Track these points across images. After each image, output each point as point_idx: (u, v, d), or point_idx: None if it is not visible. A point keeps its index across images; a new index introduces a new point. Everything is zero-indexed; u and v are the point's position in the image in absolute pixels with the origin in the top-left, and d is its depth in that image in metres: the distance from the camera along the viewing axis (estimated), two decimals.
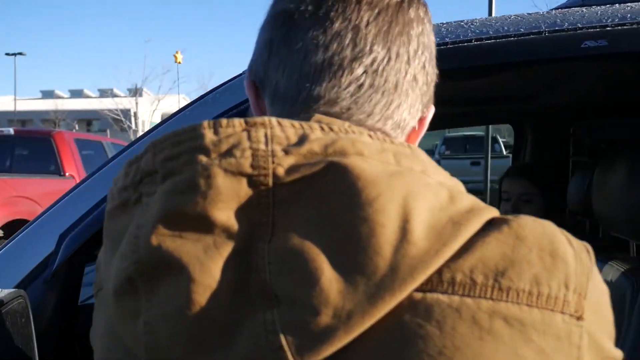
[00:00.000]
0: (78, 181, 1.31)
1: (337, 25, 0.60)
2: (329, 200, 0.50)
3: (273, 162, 0.51)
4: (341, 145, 0.52)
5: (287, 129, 0.53)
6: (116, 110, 30.01)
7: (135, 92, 30.59)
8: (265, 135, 0.52)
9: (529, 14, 1.11)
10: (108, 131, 29.98)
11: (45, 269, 1.06)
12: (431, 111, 0.68)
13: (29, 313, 0.91)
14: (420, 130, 0.68)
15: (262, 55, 0.65)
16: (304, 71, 0.61)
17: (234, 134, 0.52)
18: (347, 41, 0.60)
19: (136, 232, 0.52)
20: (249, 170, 0.50)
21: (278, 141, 0.52)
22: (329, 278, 0.48)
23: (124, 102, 31.91)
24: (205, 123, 0.53)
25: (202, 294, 0.49)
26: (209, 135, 0.52)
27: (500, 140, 16.78)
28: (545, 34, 1.04)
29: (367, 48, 0.60)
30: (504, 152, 15.40)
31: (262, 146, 0.51)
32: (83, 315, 1.10)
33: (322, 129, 0.54)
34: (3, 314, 0.83)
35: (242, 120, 0.53)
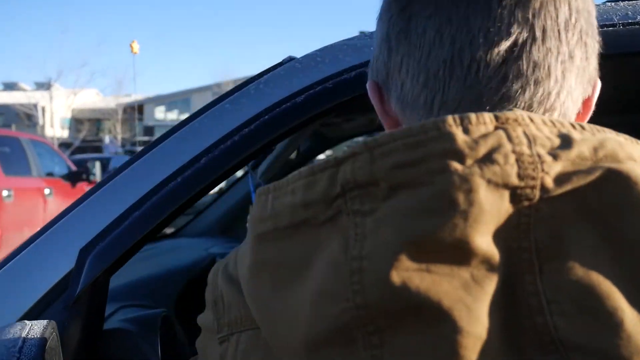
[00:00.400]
0: None
1: (462, 9, 0.50)
2: (610, 218, 0.39)
3: (542, 170, 0.39)
4: (612, 148, 0.41)
5: (541, 126, 0.42)
6: (28, 104, 28.41)
7: (46, 85, 29.03)
8: (526, 135, 0.40)
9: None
10: (13, 126, 28.29)
11: (62, 292, 0.88)
12: (597, 87, 0.57)
13: (60, 350, 0.75)
14: (585, 114, 0.57)
15: (382, 53, 0.56)
16: (431, 70, 0.51)
17: (489, 133, 0.40)
18: (477, 27, 0.49)
19: (355, 265, 0.39)
20: (515, 181, 0.39)
21: (541, 143, 0.40)
22: (633, 320, 0.37)
23: (37, 96, 30.23)
24: (450, 119, 0.41)
25: (471, 349, 0.37)
26: (460, 135, 0.40)
27: None
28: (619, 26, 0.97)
29: (504, 30, 0.50)
30: None
31: (526, 149, 0.40)
32: (108, 342, 0.93)
33: (574, 127, 0.43)
34: (47, 351, 0.66)
35: (491, 116, 0.41)
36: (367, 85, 0.60)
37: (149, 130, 38.90)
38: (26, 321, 0.74)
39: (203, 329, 0.58)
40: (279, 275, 0.45)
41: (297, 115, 0.91)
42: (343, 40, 1.01)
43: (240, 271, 0.51)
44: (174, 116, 43.45)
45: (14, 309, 0.89)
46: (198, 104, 36.01)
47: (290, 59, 1.02)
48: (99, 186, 0.96)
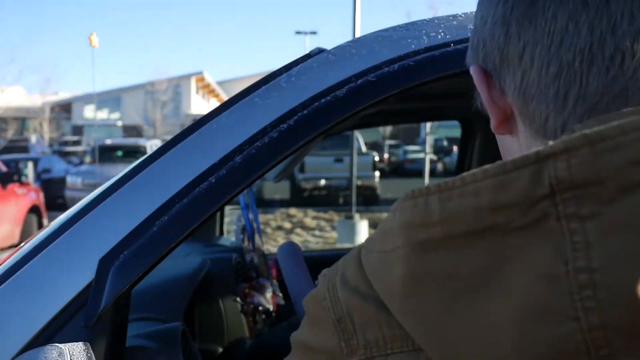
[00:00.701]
0: None
1: None
2: None
3: None
4: None
5: None
6: None
7: None
8: None
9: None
10: None
11: (80, 308, 0.78)
12: None
13: None
14: None
15: (495, 36, 0.50)
16: (564, 60, 0.46)
17: None
18: (619, 11, 0.44)
19: (583, 279, 0.33)
20: None
21: None
22: None
23: None
24: None
25: None
26: None
27: (360, 137, 17.34)
28: None
29: None
30: (364, 149, 15.91)
31: None
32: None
33: None
34: None
35: None
36: (472, 70, 0.55)
37: (77, 130, 37.47)
38: (58, 345, 0.64)
39: (309, 349, 0.51)
40: (451, 289, 0.38)
41: (339, 109, 0.84)
42: (376, 32, 0.95)
43: (380, 284, 0.44)
44: (104, 115, 42.11)
45: (23, 328, 0.78)
46: (129, 102, 35.04)
47: (320, 50, 0.95)
48: (113, 188, 0.86)
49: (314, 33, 28.85)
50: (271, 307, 1.58)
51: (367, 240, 0.50)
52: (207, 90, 49.95)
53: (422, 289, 0.40)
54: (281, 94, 0.88)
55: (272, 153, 0.82)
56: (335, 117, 0.84)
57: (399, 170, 23.78)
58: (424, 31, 0.93)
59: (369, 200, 13.98)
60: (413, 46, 0.91)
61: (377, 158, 15.80)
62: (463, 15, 0.96)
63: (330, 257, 2.41)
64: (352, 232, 9.42)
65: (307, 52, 0.96)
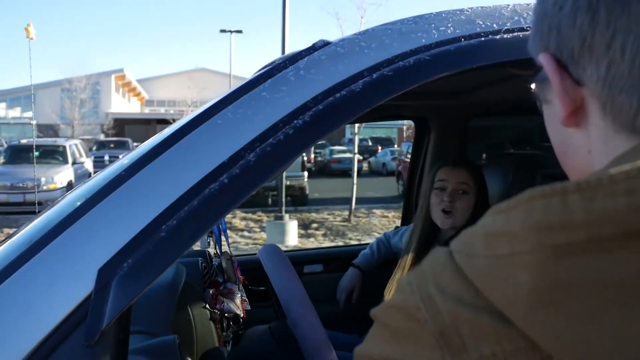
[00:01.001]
0: None
1: None
2: None
3: None
4: None
5: None
6: None
7: None
8: None
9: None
10: None
11: (78, 324, 0.70)
12: None
13: None
14: None
15: (577, 23, 0.47)
16: None
17: None
18: None
19: None
20: None
21: None
22: None
23: None
24: None
25: None
26: None
27: None
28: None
29: None
30: None
31: None
32: None
33: None
34: None
35: None
36: (543, 59, 0.51)
37: None
38: None
39: None
40: (600, 298, 0.34)
41: (356, 105, 0.80)
42: (384, 24, 0.91)
43: (497, 293, 0.40)
44: (16, 114, 40.03)
45: (13, 347, 0.68)
46: (45, 100, 33.45)
47: (325, 43, 0.90)
48: (107, 189, 0.77)
49: (239, 32, 28.56)
50: (241, 314, 1.51)
51: (459, 243, 0.45)
52: (128, 88, 48.46)
53: (561, 298, 0.36)
54: (290, 88, 0.83)
55: (289, 150, 0.76)
56: (352, 113, 0.79)
57: (325, 170, 23.91)
58: (433, 25, 0.90)
59: (298, 200, 13.95)
60: (424, 40, 0.87)
61: (304, 158, 15.83)
62: (470, 10, 0.94)
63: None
64: (281, 232, 9.37)
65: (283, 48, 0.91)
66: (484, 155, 2.83)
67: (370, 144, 29.67)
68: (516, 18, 0.92)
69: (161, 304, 1.12)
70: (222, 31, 28.66)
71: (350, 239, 10.01)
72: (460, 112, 2.43)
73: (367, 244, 2.51)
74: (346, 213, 12.23)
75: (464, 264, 0.43)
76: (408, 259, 2.09)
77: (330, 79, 0.83)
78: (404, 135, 28.49)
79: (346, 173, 16.75)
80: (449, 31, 0.89)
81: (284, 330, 1.33)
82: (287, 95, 0.82)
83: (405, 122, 25.98)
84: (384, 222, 11.81)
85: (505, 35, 0.88)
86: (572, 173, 0.57)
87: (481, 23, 0.90)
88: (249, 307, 1.62)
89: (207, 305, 1.46)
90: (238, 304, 1.53)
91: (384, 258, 2.43)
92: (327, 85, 0.82)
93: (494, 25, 0.90)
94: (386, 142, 31.04)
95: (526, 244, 0.38)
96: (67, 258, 0.73)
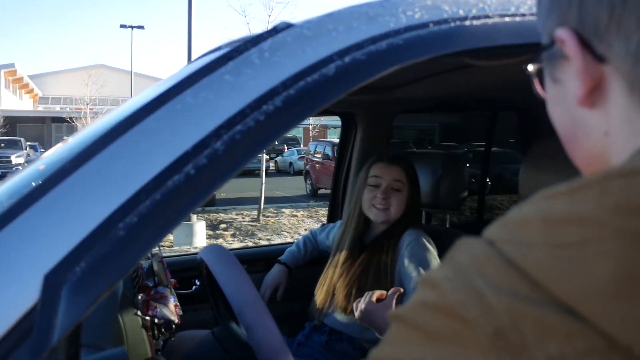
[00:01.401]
0: None
1: None
2: None
3: None
4: None
5: None
6: None
7: None
8: None
9: None
10: None
11: (22, 339, 0.59)
12: None
13: None
14: None
15: None
16: None
17: None
18: None
19: None
20: None
21: None
22: None
23: None
24: None
25: None
26: None
27: None
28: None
29: None
30: None
31: None
32: None
33: None
34: None
35: None
36: (563, 34, 0.48)
37: None
38: None
39: None
40: None
41: (331, 90, 0.74)
42: (350, 7, 0.86)
43: (566, 285, 0.35)
44: None
45: None
46: None
47: (288, 24, 0.84)
48: (50, 182, 0.67)
49: (140, 27, 27.62)
50: (176, 319, 1.41)
51: (503, 232, 0.40)
52: (19, 84, 45.67)
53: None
54: (256, 71, 0.76)
55: (260, 138, 0.69)
56: (326, 99, 0.73)
57: None
58: (400, 9, 0.86)
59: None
60: (392, 24, 0.83)
61: None
62: None
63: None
64: (189, 234, 9.16)
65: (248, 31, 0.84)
66: (414, 151, 2.86)
67: (276, 143, 29.71)
68: (480, 5, 0.90)
69: (102, 312, 1.01)
70: (123, 26, 27.60)
71: (259, 239, 9.92)
72: (387, 108, 2.42)
73: (290, 242, 2.45)
74: (255, 213, 12.13)
75: (517, 255, 0.38)
76: (341, 255, 2.06)
77: (299, 62, 0.77)
78: (310, 134, 28.69)
79: (253, 172, 16.61)
80: (417, 16, 0.85)
81: (230, 334, 1.25)
82: (253, 79, 0.75)
83: (312, 121, 26.15)
84: (293, 221, 11.80)
85: (473, 22, 0.86)
86: (581, 157, 0.54)
87: (447, 9, 0.87)
88: (181, 312, 1.52)
89: (139, 312, 1.35)
90: (172, 309, 1.43)
91: (311, 256, 2.39)
92: (296, 69, 0.76)
93: (460, 11, 0.88)
94: (292, 141, 31.18)
95: (603, 229, 0.34)
96: (4, 262, 0.62)
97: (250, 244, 9.21)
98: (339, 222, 2.37)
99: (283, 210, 13.21)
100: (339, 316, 2.00)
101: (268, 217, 12.16)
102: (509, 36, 0.86)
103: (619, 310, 0.33)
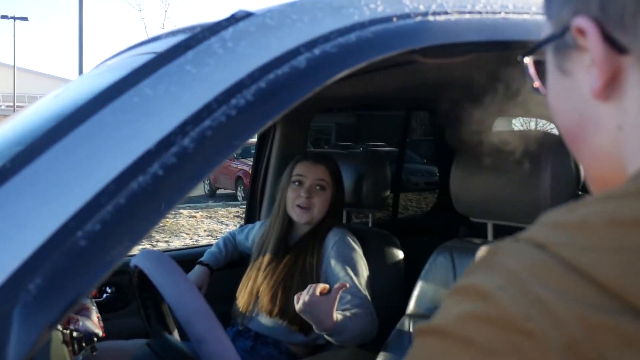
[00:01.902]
0: None
1: None
2: None
3: None
4: None
5: None
6: None
7: None
8: None
9: None
10: None
11: None
12: None
13: None
14: None
15: None
16: None
17: None
18: None
19: None
20: None
21: None
22: None
23: None
24: None
25: None
26: None
27: None
28: None
29: None
30: None
31: None
32: None
33: None
34: None
35: None
36: (584, 24, 0.46)
37: None
38: None
39: None
40: None
41: (304, 84, 0.69)
42: None
43: None
44: None
45: None
46: None
47: (247, 13, 0.78)
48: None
49: (24, 19, 25.94)
50: (100, 332, 1.30)
51: (560, 235, 0.37)
52: None
53: None
54: (220, 61, 0.70)
55: (233, 134, 0.63)
56: (300, 93, 0.68)
57: None
58: (362, 2, 0.82)
59: None
60: (356, 17, 0.79)
61: None
62: None
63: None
64: None
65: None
66: (338, 150, 2.85)
67: None
68: (439, 1, 0.88)
69: None
70: (4, 17, 25.79)
71: (157, 241, 9.59)
72: (305, 107, 2.39)
73: (208, 245, 2.37)
74: None
75: (581, 260, 0.35)
76: (265, 257, 2.00)
77: (265, 53, 0.71)
78: None
79: None
80: (380, 9, 0.82)
81: (169, 347, 1.17)
82: (217, 70, 0.69)
83: None
84: (192, 222, 11.51)
85: (437, 18, 0.84)
86: (589, 154, 0.52)
87: (408, 3, 0.85)
88: (101, 324, 1.40)
89: (60, 326, 1.24)
90: (95, 322, 1.32)
91: (231, 257, 2.31)
92: (262, 60, 0.70)
93: (420, 6, 0.86)
94: None
95: None
96: None
97: (148, 247, 8.88)
98: (258, 223, 2.31)
99: (181, 211, 12.85)
100: (264, 319, 1.94)
101: (165, 218, 11.79)
102: (471, 33, 0.85)
103: None
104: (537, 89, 0.60)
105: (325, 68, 0.71)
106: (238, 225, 2.44)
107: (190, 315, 0.90)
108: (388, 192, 2.26)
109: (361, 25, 0.78)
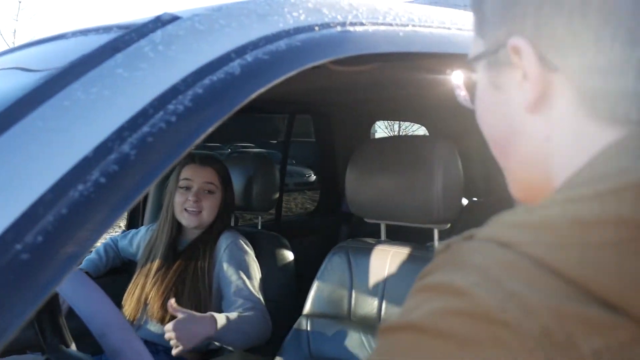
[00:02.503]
0: None
1: None
2: None
3: None
4: None
5: None
6: None
7: None
8: None
9: None
10: None
11: None
12: None
13: None
14: None
15: (561, 7, 0.47)
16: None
17: None
18: None
19: None
20: None
21: None
22: None
23: None
24: None
25: None
26: None
27: None
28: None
29: None
30: None
31: None
32: None
33: None
34: None
35: None
36: (520, 44, 0.49)
37: None
38: None
39: None
40: None
41: (241, 91, 0.69)
42: (237, 2, 0.82)
43: (605, 284, 0.37)
44: None
45: None
46: None
47: (174, 17, 0.76)
48: None
49: None
50: None
51: (526, 234, 0.41)
52: None
53: None
54: (152, 65, 0.68)
55: (176, 141, 0.62)
56: (237, 99, 0.68)
57: None
58: (286, 9, 0.84)
59: None
60: (281, 24, 0.81)
61: None
62: None
63: None
64: None
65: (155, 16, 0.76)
66: (227, 152, 2.81)
67: None
68: (354, 12, 0.92)
69: None
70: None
71: None
72: None
73: None
74: None
75: (548, 256, 0.39)
76: (154, 263, 1.94)
77: (196, 58, 0.70)
78: None
79: None
80: (302, 18, 0.84)
81: (68, 359, 1.10)
82: (150, 75, 0.67)
83: None
84: None
85: (356, 28, 0.87)
86: (515, 162, 0.56)
87: (327, 13, 0.88)
88: None
89: None
90: None
91: (112, 263, 2.22)
92: (195, 66, 0.69)
93: (338, 16, 0.89)
94: None
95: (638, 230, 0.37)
96: None
97: None
98: (143, 228, 2.23)
99: None
100: (154, 327, 1.89)
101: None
102: (387, 44, 0.89)
103: None
104: (464, 101, 0.65)
105: (260, 75, 0.71)
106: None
107: (105, 328, 0.86)
108: (277, 194, 2.28)
109: (287, 33, 0.79)
